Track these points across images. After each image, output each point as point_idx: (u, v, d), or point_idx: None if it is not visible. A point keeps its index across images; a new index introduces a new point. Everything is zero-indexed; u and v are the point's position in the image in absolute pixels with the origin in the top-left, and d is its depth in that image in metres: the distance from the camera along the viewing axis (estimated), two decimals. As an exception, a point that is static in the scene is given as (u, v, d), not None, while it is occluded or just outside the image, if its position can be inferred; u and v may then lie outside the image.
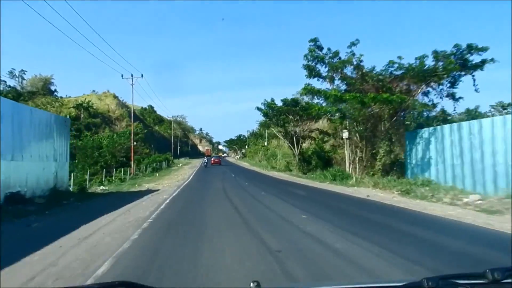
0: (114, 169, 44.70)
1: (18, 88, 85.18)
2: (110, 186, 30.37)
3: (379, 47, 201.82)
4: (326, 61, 27.38)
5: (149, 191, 24.01)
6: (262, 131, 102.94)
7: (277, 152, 69.85)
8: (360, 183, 26.07)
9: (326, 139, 48.81)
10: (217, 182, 31.59)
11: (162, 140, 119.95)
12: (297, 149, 47.54)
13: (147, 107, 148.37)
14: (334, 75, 27.93)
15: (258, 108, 47.86)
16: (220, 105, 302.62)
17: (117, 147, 56.37)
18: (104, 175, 39.84)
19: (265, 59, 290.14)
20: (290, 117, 46.78)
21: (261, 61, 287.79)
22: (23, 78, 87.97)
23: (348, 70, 27.64)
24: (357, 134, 30.93)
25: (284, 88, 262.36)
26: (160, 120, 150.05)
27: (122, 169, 42.87)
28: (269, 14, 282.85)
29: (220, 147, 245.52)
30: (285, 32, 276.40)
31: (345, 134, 31.39)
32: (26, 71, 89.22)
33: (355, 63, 26.62)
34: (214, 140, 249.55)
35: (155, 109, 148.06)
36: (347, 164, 32.71)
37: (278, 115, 47.52)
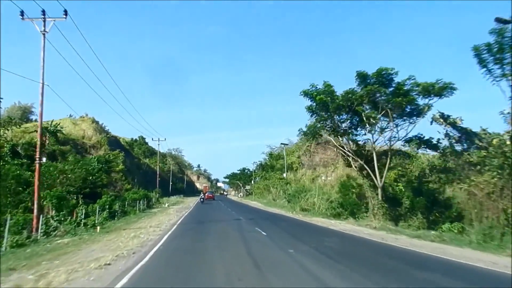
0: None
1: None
2: None
3: None
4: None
5: None
6: (274, 161, 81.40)
7: (310, 186, 48.34)
8: None
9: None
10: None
11: (152, 175, 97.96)
12: (380, 177, 25.32)
13: (137, 138, 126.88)
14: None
15: (305, 94, 25.73)
16: (219, 142, 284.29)
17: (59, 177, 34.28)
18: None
19: (265, 98, 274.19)
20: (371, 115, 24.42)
21: (261, 100, 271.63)
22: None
23: None
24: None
25: (288, 127, 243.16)
26: (152, 153, 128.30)
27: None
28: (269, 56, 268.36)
29: (219, 184, 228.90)
30: (286, 73, 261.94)
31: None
32: (2, 98, 70.10)
33: None
34: (212, 177, 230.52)
35: (146, 140, 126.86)
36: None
37: (342, 110, 25.33)
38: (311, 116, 27.60)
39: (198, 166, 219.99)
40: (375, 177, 25.36)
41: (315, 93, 24.66)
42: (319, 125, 28.01)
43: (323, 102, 24.46)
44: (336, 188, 50.49)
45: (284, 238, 16.25)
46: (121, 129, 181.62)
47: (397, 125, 24.58)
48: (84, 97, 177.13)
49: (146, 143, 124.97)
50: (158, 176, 67.07)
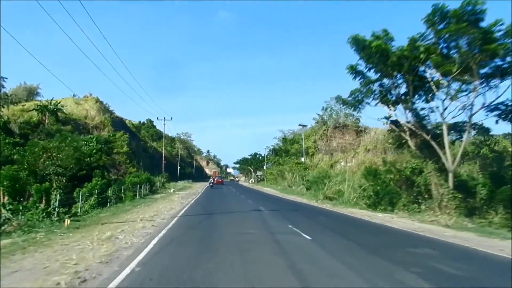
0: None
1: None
2: None
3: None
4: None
5: None
6: (288, 146, 75.20)
7: (331, 173, 42.45)
8: None
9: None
10: None
11: (159, 159, 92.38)
12: (452, 157, 19.03)
13: (145, 121, 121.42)
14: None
15: (354, 41, 19.10)
16: (229, 129, 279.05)
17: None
18: None
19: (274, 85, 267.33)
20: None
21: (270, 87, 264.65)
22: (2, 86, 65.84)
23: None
24: None
25: (296, 116, 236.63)
26: (160, 136, 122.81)
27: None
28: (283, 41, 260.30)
29: (228, 170, 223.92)
30: (297, 58, 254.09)
31: None
32: (6, 78, 65.88)
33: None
34: (222, 163, 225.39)
35: (154, 124, 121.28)
36: None
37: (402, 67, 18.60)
38: (354, 78, 21.13)
39: (208, 151, 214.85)
40: (445, 158, 19.02)
41: (370, 40, 18.09)
42: (365, 90, 21.45)
43: (382, 51, 17.92)
44: (358, 175, 44.60)
45: (347, 249, 10.06)
46: (129, 112, 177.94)
47: (475, 88, 17.98)
48: (91, 79, 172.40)
49: (154, 126, 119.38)
50: (163, 159, 61.03)
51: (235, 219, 16.15)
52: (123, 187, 30.66)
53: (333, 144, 73.89)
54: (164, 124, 57.77)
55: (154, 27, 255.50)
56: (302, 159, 48.63)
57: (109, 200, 25.23)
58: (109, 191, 25.92)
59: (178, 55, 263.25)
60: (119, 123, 74.23)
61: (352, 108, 26.27)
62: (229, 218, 16.52)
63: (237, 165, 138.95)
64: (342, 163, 60.58)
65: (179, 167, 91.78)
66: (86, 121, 67.06)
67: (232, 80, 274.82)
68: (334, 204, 30.43)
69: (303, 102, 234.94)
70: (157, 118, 62.15)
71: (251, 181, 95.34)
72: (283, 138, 79.26)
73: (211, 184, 65.25)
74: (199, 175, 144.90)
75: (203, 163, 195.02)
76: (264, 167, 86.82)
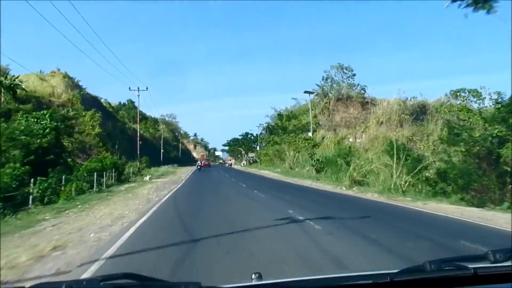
0: None
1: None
2: None
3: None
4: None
5: None
6: (285, 122, 65.49)
7: (354, 148, 33.14)
8: None
9: None
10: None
11: (142, 142, 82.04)
12: None
13: (126, 102, 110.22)
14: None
15: None
16: (217, 111, 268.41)
17: None
18: None
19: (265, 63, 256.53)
20: None
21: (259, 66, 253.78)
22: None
23: None
24: None
25: (285, 95, 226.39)
26: (143, 118, 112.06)
27: None
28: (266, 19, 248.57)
29: (217, 153, 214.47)
30: (285, 37, 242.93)
31: None
32: None
33: None
34: (210, 146, 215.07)
35: (136, 104, 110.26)
36: None
37: None
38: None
39: (195, 135, 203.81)
40: None
41: None
42: None
43: None
44: (374, 152, 35.50)
45: None
46: (109, 93, 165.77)
47: None
48: (68, 57, 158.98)
49: (136, 107, 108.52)
50: (138, 140, 50.67)
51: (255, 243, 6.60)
52: (64, 176, 20.50)
53: (336, 119, 64.51)
54: (139, 96, 47.02)
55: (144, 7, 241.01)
56: (310, 134, 38.96)
57: (32, 198, 15.31)
58: (31, 187, 15.85)
59: (164, 31, 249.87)
60: (91, 101, 63.17)
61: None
62: (240, 241, 6.99)
63: (226, 147, 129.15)
64: (351, 139, 50.95)
65: (162, 151, 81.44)
66: (51, 99, 56.05)
67: (218, 59, 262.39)
68: (365, 190, 21.04)
69: (294, 81, 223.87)
70: (129, 88, 50.42)
71: (243, 163, 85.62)
72: (278, 114, 69.39)
73: (198, 167, 63.08)
74: (186, 159, 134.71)
75: (190, 147, 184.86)
76: (258, 148, 77.10)
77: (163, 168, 57.63)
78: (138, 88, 44.91)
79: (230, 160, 60.11)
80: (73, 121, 40.28)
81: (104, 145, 51.12)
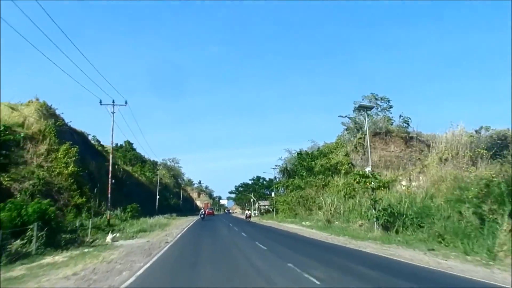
0: None
1: None
2: None
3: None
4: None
5: None
6: (309, 162, 51.45)
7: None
8: None
9: None
10: None
11: (134, 187, 68.50)
12: None
13: (123, 144, 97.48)
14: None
15: None
16: (222, 160, 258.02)
17: None
18: None
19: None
20: None
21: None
22: None
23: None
24: None
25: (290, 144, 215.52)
26: (142, 161, 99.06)
27: None
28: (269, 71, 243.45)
29: (222, 201, 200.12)
30: (288, 90, 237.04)
31: None
32: None
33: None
34: (215, 194, 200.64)
35: (134, 146, 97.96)
36: None
37: None
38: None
39: (200, 182, 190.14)
40: None
41: None
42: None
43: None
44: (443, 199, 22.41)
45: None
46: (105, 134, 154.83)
47: None
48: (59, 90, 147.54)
49: (134, 149, 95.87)
50: (110, 179, 36.76)
51: None
52: None
53: (373, 158, 50.88)
54: (113, 113, 33.06)
55: (147, 53, 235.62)
56: (368, 170, 25.03)
57: None
58: None
59: (170, 81, 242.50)
60: (74, 138, 49.55)
61: None
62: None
63: (233, 195, 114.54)
64: (403, 182, 36.90)
65: (158, 197, 67.40)
66: (16, 130, 43.07)
67: (224, 111, 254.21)
68: None
69: (295, 133, 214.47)
70: (100, 103, 34.94)
71: (254, 213, 70.90)
72: (298, 154, 55.84)
73: (202, 216, 58.93)
74: (188, 207, 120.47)
75: (194, 195, 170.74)
76: (273, 194, 63.02)
77: (155, 219, 43.58)
78: (113, 101, 31.09)
79: (248, 211, 44.61)
80: (14, 149, 27.16)
81: (80, 188, 37.54)
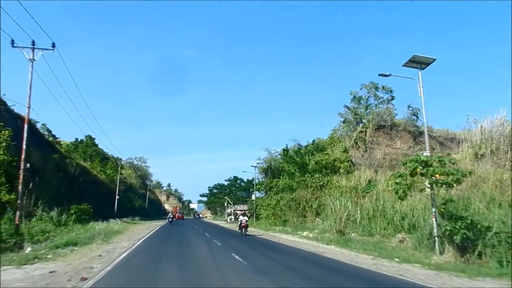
0: None
1: None
2: None
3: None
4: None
5: None
6: (303, 157, 42.58)
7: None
8: None
9: None
10: None
11: (89, 185, 57.92)
12: None
13: (84, 139, 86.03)
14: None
15: None
16: (193, 164, 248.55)
17: None
18: None
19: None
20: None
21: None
22: None
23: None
24: None
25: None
26: (104, 157, 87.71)
27: None
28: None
29: (192, 205, 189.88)
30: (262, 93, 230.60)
31: None
32: None
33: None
34: (184, 198, 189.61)
35: (96, 142, 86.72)
36: None
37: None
38: None
39: (169, 185, 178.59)
40: None
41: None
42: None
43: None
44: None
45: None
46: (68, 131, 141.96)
47: None
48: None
49: (95, 145, 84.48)
50: (22, 162, 26.38)
51: None
52: None
53: (376, 155, 42.86)
54: (33, 61, 21.83)
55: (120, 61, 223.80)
56: (425, 154, 16.28)
57: None
58: None
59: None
60: (16, 123, 38.64)
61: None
62: None
63: (204, 198, 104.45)
64: (427, 183, 28.32)
65: (117, 197, 57.05)
66: None
67: (197, 115, 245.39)
68: None
69: (270, 137, 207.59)
70: (12, 44, 21.81)
71: (230, 218, 60.87)
72: (284, 150, 46.91)
73: (170, 220, 54.97)
74: (155, 211, 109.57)
75: (163, 198, 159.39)
76: (253, 196, 53.72)
77: (108, 224, 33.63)
78: (33, 43, 20.55)
79: (243, 216, 32.81)
80: None
81: (11, 182, 27.44)
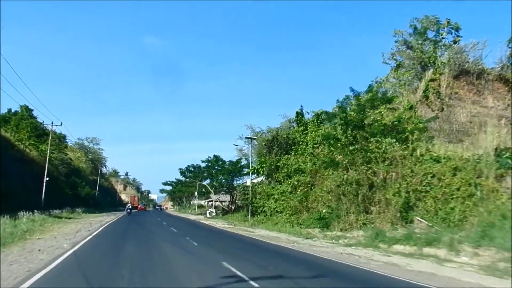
0: None
1: None
2: None
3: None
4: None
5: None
6: (313, 127, 26.51)
7: None
8: None
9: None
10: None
11: (14, 163, 40.00)
12: None
13: (19, 109, 66.08)
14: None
15: None
16: (152, 154, 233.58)
17: None
18: None
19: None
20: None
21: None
22: None
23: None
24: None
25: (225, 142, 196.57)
26: (43, 133, 67.69)
27: None
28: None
29: (152, 196, 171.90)
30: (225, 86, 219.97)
31: None
32: None
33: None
34: (143, 188, 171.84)
35: (34, 114, 66.48)
36: None
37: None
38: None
39: (126, 174, 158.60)
40: None
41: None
42: None
43: None
44: None
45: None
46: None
47: None
48: None
49: (34, 117, 64.48)
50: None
51: None
52: None
53: (459, 117, 27.27)
54: None
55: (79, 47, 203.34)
56: None
57: None
58: None
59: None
60: None
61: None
62: None
63: (168, 187, 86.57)
64: None
65: (46, 179, 38.82)
66: None
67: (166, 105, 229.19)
68: None
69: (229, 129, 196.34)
70: None
71: (210, 212, 43.56)
72: (297, 113, 30.63)
73: (128, 211, 48.08)
74: (110, 202, 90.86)
75: (119, 187, 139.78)
76: (248, 182, 37.18)
77: (22, 221, 16.54)
78: None
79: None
80: None
81: None
